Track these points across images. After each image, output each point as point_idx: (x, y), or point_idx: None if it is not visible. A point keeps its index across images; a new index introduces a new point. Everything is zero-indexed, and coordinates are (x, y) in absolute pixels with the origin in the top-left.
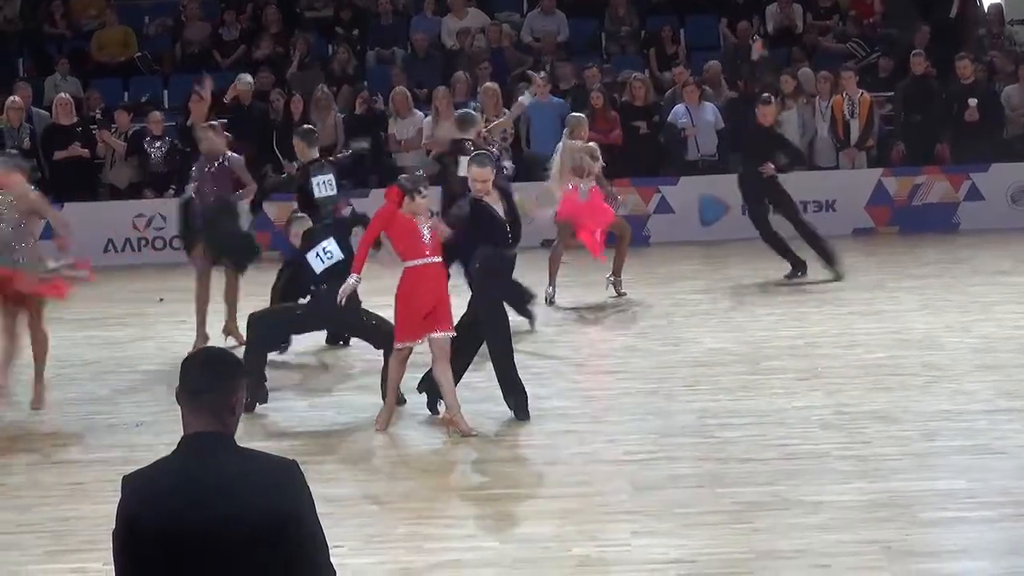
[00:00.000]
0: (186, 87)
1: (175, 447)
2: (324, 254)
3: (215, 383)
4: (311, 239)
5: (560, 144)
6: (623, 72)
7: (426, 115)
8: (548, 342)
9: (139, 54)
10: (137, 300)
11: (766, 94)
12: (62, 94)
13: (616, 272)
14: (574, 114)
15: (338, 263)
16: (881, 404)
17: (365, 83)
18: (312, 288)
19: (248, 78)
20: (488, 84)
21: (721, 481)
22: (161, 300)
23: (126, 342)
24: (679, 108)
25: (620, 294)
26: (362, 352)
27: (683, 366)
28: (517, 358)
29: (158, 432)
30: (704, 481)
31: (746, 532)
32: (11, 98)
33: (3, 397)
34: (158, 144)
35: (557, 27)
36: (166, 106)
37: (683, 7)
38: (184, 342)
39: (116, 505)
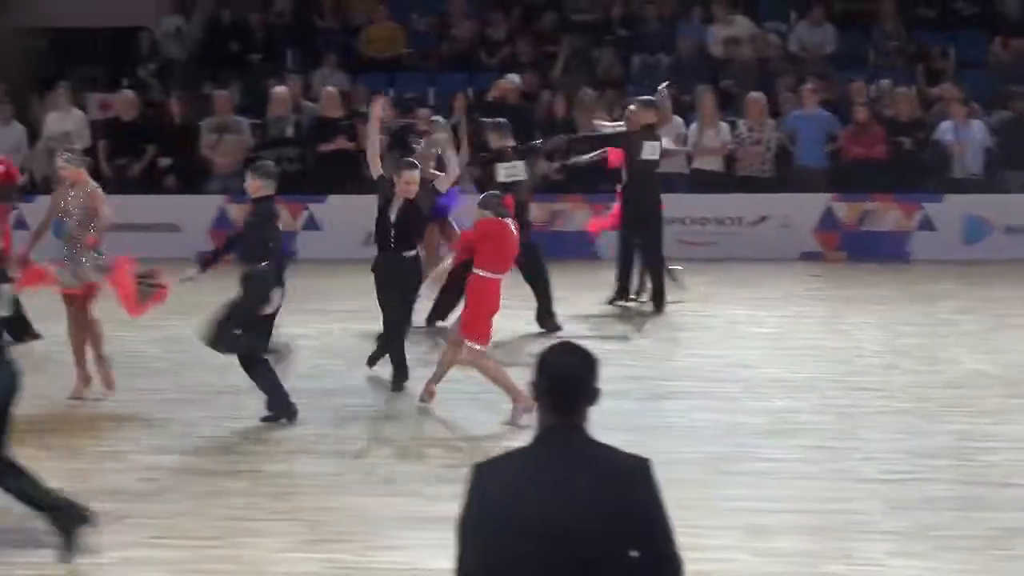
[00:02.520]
0: (452, 85)
1: (532, 439)
2: None
3: (573, 375)
4: None
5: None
6: (887, 86)
7: (689, 122)
8: (803, 357)
9: (407, 50)
10: None
11: None
12: (330, 88)
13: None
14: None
15: None
16: None
17: (629, 88)
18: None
19: (515, 78)
20: (753, 93)
21: (979, 505)
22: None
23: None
24: (946, 125)
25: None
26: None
27: (942, 386)
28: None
29: (411, 426)
30: (961, 504)
31: (1004, 559)
32: (277, 88)
33: (85, 385)
34: (423, 140)
35: (824, 39)
36: (431, 103)
37: (953, 22)
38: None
39: (379, 498)
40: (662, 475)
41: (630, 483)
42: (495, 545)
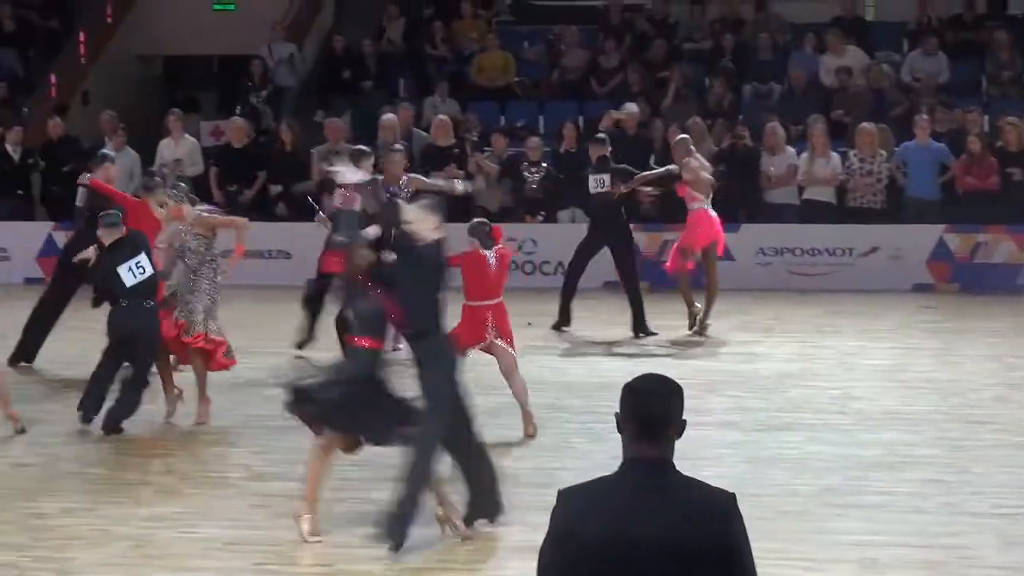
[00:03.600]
0: (562, 114)
1: (618, 468)
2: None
3: (660, 407)
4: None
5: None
6: (998, 115)
7: (800, 152)
8: (915, 389)
9: (517, 79)
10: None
11: None
12: (440, 115)
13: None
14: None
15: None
16: None
17: (740, 117)
18: None
19: (633, 107)
20: (864, 124)
21: None
22: (529, 324)
23: (491, 363)
24: None
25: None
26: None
27: None
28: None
29: (521, 455)
30: None
31: None
32: (386, 115)
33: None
34: (534, 170)
35: (938, 68)
36: (541, 131)
37: None
38: (553, 367)
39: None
40: (774, 507)
41: (718, 517)
42: (577, 573)
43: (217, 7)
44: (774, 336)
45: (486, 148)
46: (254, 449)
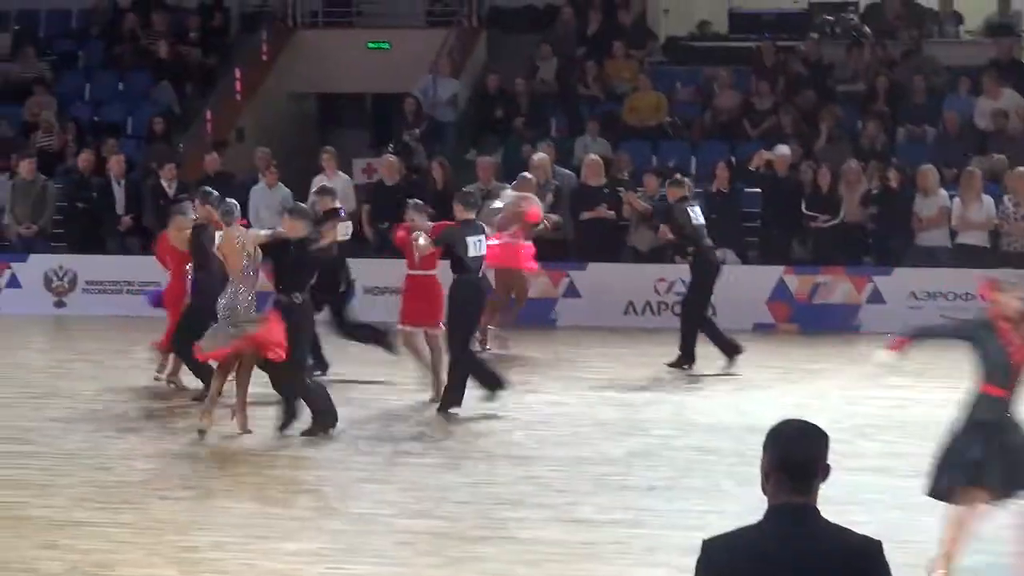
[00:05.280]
0: (714, 154)
1: (763, 516)
2: None
3: (806, 453)
4: None
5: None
6: None
7: (953, 195)
8: None
9: (669, 119)
10: (653, 364)
11: None
12: (592, 155)
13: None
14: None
15: None
16: None
17: (893, 159)
18: None
19: (785, 149)
20: (1020, 168)
21: None
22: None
23: (640, 405)
24: None
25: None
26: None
27: None
28: None
29: (670, 498)
30: None
31: None
32: (537, 155)
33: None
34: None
35: None
36: (693, 172)
37: None
38: (699, 408)
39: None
40: (926, 554)
41: (867, 565)
42: None
43: (372, 45)
44: (926, 380)
45: (638, 188)
46: (402, 486)
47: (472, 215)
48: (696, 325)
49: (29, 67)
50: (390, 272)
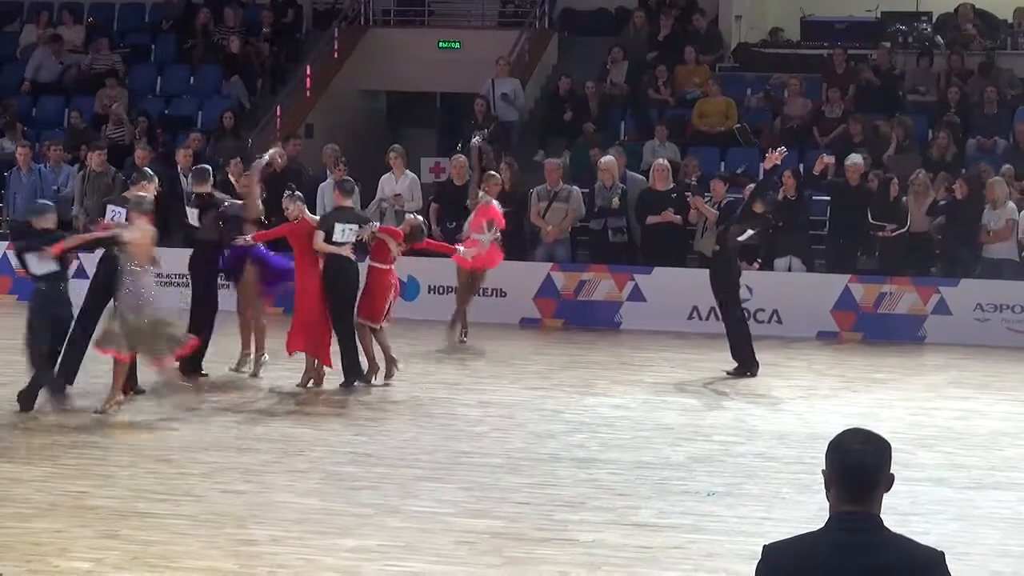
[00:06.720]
0: (783, 162)
1: (824, 524)
2: None
3: (868, 463)
4: None
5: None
6: None
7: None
8: None
9: (738, 125)
10: (717, 369)
11: None
12: (660, 160)
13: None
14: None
15: None
16: None
17: (963, 170)
18: None
19: (857, 158)
20: None
21: None
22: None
23: (703, 410)
24: None
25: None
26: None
27: None
28: None
29: (730, 504)
30: None
31: None
32: (605, 158)
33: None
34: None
35: None
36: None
37: None
38: (761, 415)
39: (700, 571)
40: (985, 566)
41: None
42: None
43: (443, 45)
44: (989, 393)
45: (706, 193)
46: (463, 485)
47: (348, 202)
48: (741, 331)
49: (102, 59)
50: (455, 273)
